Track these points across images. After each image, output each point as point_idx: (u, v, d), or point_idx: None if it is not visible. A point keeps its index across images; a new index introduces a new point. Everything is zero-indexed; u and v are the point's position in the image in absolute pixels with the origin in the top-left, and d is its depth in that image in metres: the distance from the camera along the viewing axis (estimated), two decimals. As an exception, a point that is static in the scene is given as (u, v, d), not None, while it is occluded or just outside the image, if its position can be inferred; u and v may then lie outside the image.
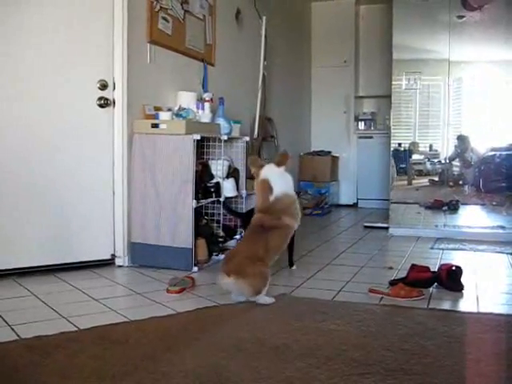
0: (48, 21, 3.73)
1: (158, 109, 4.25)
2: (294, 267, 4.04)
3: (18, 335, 2.51)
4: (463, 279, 3.47)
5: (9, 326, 2.65)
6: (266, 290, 3.04)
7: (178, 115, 4.18)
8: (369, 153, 8.38)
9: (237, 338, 2.50)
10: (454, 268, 3.47)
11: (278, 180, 3.24)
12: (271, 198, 3.20)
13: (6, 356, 2.24)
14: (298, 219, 3.32)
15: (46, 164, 3.76)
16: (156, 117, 4.13)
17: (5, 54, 3.58)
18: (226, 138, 4.37)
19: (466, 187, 5.79)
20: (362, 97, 8.89)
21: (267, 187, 3.22)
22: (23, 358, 2.21)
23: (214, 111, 4.59)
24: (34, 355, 2.24)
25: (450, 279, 3.43)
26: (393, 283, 3.46)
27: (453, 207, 5.77)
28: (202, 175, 4.24)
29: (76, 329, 2.62)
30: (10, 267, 3.62)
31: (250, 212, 4.58)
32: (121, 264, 4.06)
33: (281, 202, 3.21)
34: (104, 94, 3.96)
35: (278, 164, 3.29)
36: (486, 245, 5.09)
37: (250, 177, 5.16)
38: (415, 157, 5.97)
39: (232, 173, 4.58)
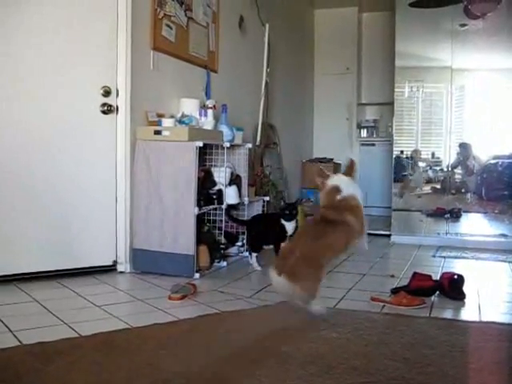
0: (49, 21, 3.73)
1: (160, 115, 4.26)
2: None
3: (19, 341, 2.51)
4: (465, 288, 3.47)
5: (11, 331, 2.65)
6: (319, 295, 2.88)
7: (180, 122, 4.19)
8: (371, 160, 8.37)
9: (238, 345, 2.50)
10: (455, 276, 3.47)
11: (347, 186, 3.06)
12: (338, 197, 3.02)
13: (8, 362, 2.24)
14: (364, 226, 3.06)
15: (49, 170, 3.76)
16: (159, 123, 4.14)
17: (5, 56, 3.59)
18: (228, 145, 4.37)
19: (469, 195, 5.80)
20: (364, 104, 8.89)
21: (335, 191, 3.04)
22: (25, 365, 2.21)
23: (216, 118, 4.59)
24: (35, 361, 2.24)
25: (452, 288, 3.43)
26: (395, 291, 3.45)
27: (455, 215, 5.77)
28: (205, 182, 4.24)
29: (78, 335, 2.61)
30: (12, 272, 3.62)
31: (254, 218, 4.58)
32: (123, 270, 4.06)
33: (347, 202, 3.01)
34: (107, 100, 3.97)
35: (346, 174, 3.13)
36: (488, 253, 5.09)
37: (252, 184, 5.19)
38: (417, 164, 5.99)
39: (234, 180, 4.59)
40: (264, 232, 4.32)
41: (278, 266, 2.85)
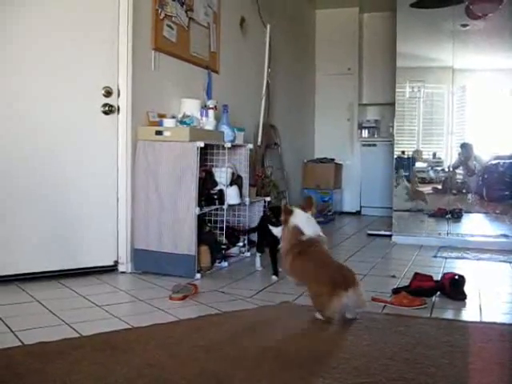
0: (51, 26, 3.74)
1: (162, 116, 4.27)
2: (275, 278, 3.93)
3: (20, 341, 2.51)
4: (466, 288, 3.46)
5: (12, 331, 2.66)
6: None
7: (181, 122, 4.19)
8: (372, 160, 8.40)
9: (239, 345, 2.50)
10: (456, 277, 3.47)
11: (307, 224, 3.10)
12: (303, 238, 3.04)
13: (9, 362, 2.24)
14: None
15: (50, 170, 3.77)
16: (160, 124, 4.14)
17: (7, 57, 3.59)
18: (229, 145, 4.38)
19: (470, 195, 5.80)
20: (365, 104, 8.90)
21: (297, 232, 3.06)
22: (26, 365, 2.21)
23: (217, 118, 4.60)
24: (36, 361, 2.24)
25: (453, 288, 3.43)
26: (396, 292, 3.46)
27: (456, 215, 5.77)
28: (206, 182, 4.25)
29: (78, 335, 2.62)
30: (13, 273, 3.63)
31: (262, 219, 4.39)
32: (124, 270, 4.06)
33: (315, 239, 3.06)
34: (108, 100, 3.97)
35: (304, 209, 3.18)
36: (490, 253, 5.08)
37: (253, 184, 5.19)
38: (418, 165, 5.98)
39: (235, 180, 4.59)
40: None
41: (340, 283, 2.72)
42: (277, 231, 3.76)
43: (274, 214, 3.88)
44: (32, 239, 3.71)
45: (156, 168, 3.99)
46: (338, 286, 2.70)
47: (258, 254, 4.27)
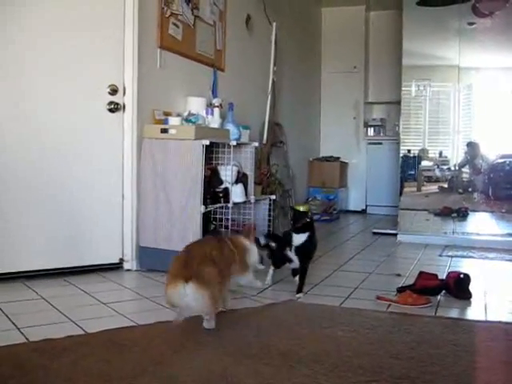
0: (56, 20, 3.73)
1: (167, 114, 4.27)
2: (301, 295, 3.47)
3: (26, 338, 2.52)
4: (471, 287, 3.46)
5: (17, 328, 2.67)
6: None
7: (187, 120, 4.20)
8: (378, 159, 8.38)
9: (243, 343, 2.50)
10: (462, 276, 3.46)
11: None
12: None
13: (15, 359, 2.25)
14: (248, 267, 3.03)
15: (55, 168, 3.77)
16: (165, 122, 4.15)
17: (13, 58, 3.59)
18: (235, 143, 4.37)
19: (476, 194, 5.78)
20: (371, 103, 8.89)
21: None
22: (31, 361, 2.22)
23: (223, 117, 4.60)
24: (42, 358, 2.25)
25: (458, 287, 3.42)
26: (400, 290, 3.45)
27: (462, 214, 5.75)
28: (211, 180, 4.25)
29: (84, 332, 2.63)
30: (19, 270, 3.64)
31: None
32: (129, 268, 4.07)
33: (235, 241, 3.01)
34: (114, 98, 3.98)
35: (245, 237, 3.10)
36: (495, 252, 5.07)
37: (259, 182, 5.19)
38: (424, 163, 5.97)
39: (241, 178, 4.58)
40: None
41: (182, 273, 2.51)
42: (297, 238, 3.49)
43: (295, 218, 3.52)
44: (38, 237, 3.71)
45: (161, 166, 3.99)
46: (179, 273, 2.53)
47: (272, 268, 3.72)
